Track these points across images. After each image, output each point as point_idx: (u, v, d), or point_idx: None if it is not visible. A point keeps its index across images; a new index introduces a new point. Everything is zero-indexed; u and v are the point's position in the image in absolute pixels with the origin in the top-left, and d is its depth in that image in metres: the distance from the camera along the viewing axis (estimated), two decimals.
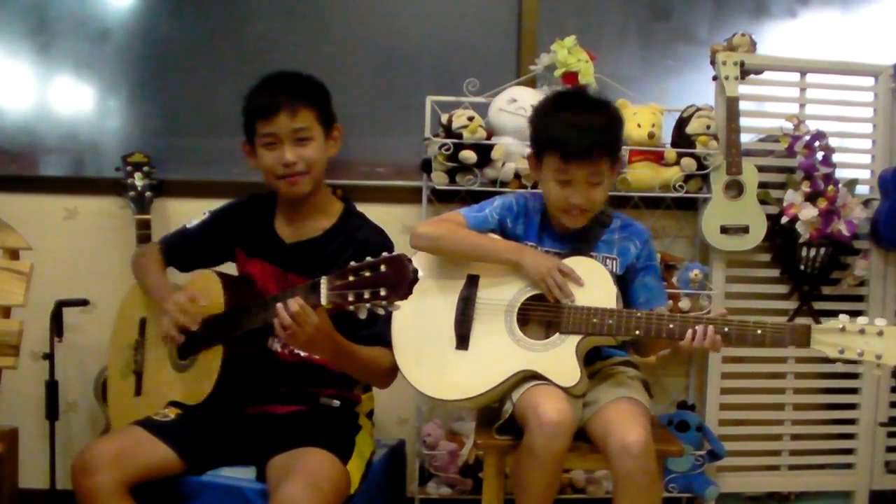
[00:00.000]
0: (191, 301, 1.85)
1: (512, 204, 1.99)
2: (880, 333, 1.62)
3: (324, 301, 1.60)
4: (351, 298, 1.55)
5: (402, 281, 1.52)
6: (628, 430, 1.67)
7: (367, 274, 1.55)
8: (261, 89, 1.94)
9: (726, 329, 1.71)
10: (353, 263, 1.57)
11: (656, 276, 1.98)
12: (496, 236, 1.96)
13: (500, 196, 2.03)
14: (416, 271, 1.54)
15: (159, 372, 1.99)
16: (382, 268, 1.54)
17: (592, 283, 1.83)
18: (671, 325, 1.75)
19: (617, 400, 1.79)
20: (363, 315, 1.57)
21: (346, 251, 1.84)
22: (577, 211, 1.87)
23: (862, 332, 1.63)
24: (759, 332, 1.69)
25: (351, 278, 1.56)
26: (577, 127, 1.82)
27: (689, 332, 1.72)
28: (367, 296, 1.53)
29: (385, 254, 1.56)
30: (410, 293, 1.54)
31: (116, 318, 2.23)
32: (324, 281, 1.60)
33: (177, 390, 1.91)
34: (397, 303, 1.54)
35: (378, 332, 1.86)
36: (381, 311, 1.56)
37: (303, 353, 1.89)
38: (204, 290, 1.93)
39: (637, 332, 1.76)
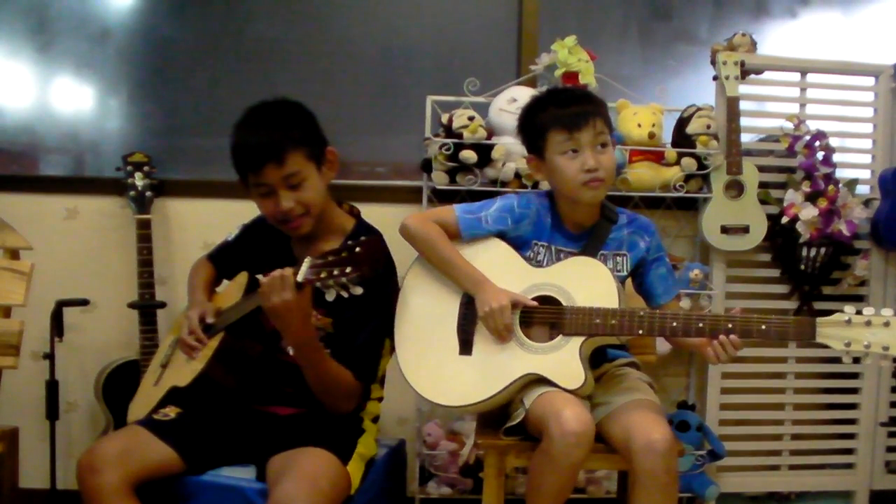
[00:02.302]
0: (200, 318, 1.93)
1: (513, 206, 1.94)
2: (886, 324, 1.60)
3: (300, 277, 1.64)
4: (323, 275, 1.61)
5: (366, 260, 1.58)
6: (653, 430, 1.67)
7: (344, 255, 1.60)
8: (243, 134, 1.86)
9: (730, 325, 1.71)
10: (337, 247, 1.64)
11: (667, 265, 2.00)
12: (468, 256, 1.93)
13: (501, 197, 1.98)
14: (385, 258, 1.63)
15: (177, 362, 2.01)
16: (357, 249, 1.60)
17: (593, 284, 1.82)
18: (674, 324, 1.75)
19: (635, 401, 1.80)
20: (330, 297, 1.61)
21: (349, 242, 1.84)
22: (594, 179, 1.86)
23: (868, 323, 1.61)
24: (763, 327, 1.69)
25: (330, 258, 1.62)
26: (570, 99, 1.90)
27: (710, 350, 1.74)
28: (335, 272, 1.59)
29: (363, 237, 1.61)
30: (371, 274, 1.59)
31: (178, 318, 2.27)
32: (307, 260, 1.65)
33: (177, 375, 1.93)
34: (358, 288, 1.60)
35: (352, 356, 1.85)
36: (343, 294, 1.60)
37: None
38: (232, 289, 1.99)
39: (640, 332, 1.76)
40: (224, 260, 2.13)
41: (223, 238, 2.17)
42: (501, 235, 1.94)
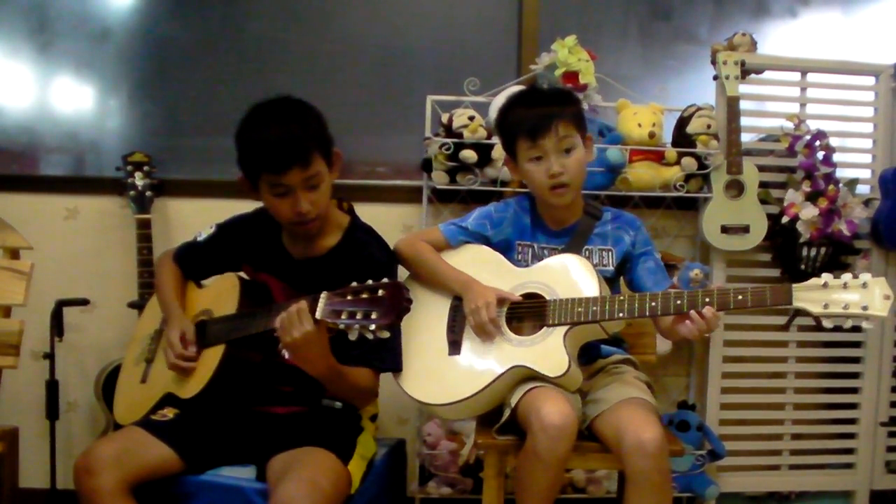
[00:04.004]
0: (182, 342, 1.91)
1: (490, 213, 2.03)
2: (864, 285, 1.59)
3: (318, 315, 1.61)
4: (344, 317, 1.57)
5: (394, 308, 1.54)
6: (644, 429, 1.67)
7: (365, 296, 1.57)
8: (264, 133, 1.80)
9: (707, 299, 1.71)
10: (354, 284, 1.59)
11: (656, 259, 2.01)
12: (457, 263, 1.98)
13: (479, 207, 2.07)
14: (409, 301, 1.57)
15: (165, 362, 2.00)
16: (380, 292, 1.56)
17: (576, 278, 1.86)
18: (653, 304, 1.76)
19: (628, 400, 1.80)
20: (353, 336, 1.58)
21: (351, 269, 1.79)
22: (559, 185, 1.90)
23: (845, 286, 1.60)
24: (740, 297, 1.69)
25: (349, 297, 1.58)
26: (534, 104, 1.93)
27: (685, 326, 1.73)
28: (359, 316, 1.55)
29: (386, 279, 1.57)
30: (399, 321, 1.57)
31: (146, 308, 2.25)
32: (324, 296, 1.62)
33: (174, 382, 1.92)
34: (385, 332, 1.55)
35: (369, 356, 1.84)
36: (368, 336, 1.56)
37: None
38: (222, 291, 1.97)
39: (621, 315, 1.77)
40: (192, 261, 2.10)
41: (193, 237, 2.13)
42: (487, 241, 2.02)
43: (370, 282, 1.58)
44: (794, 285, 1.65)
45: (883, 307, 1.57)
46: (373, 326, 1.54)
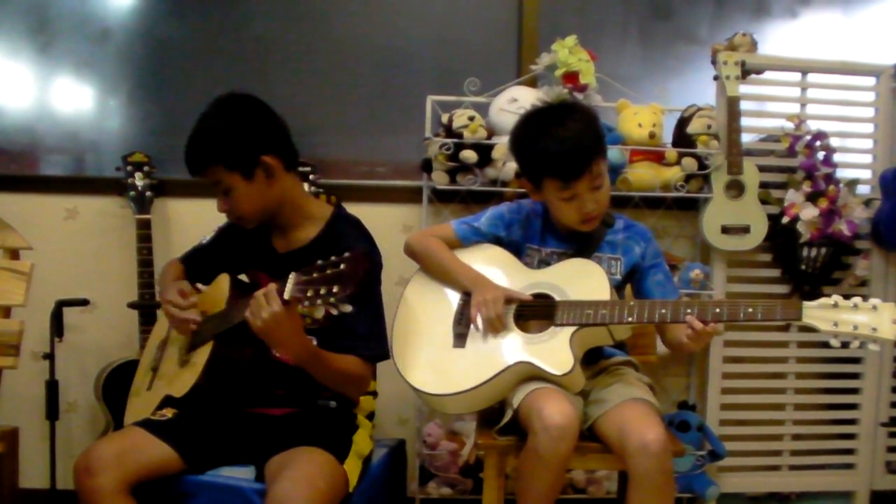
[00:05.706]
0: (181, 296, 1.93)
1: (502, 213, 2.03)
2: (874, 308, 1.60)
3: (287, 294, 1.61)
4: (309, 294, 1.56)
5: (352, 278, 1.52)
6: (647, 430, 1.67)
7: (329, 272, 1.56)
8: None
9: (717, 310, 1.71)
10: (320, 261, 1.58)
11: (665, 272, 2.00)
12: (469, 262, 1.98)
13: (491, 207, 2.07)
14: (367, 272, 1.55)
15: (168, 367, 2.01)
16: (342, 266, 1.55)
17: (587, 281, 1.85)
18: (663, 310, 1.76)
19: (631, 400, 1.80)
20: (319, 314, 1.57)
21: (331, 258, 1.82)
22: (591, 219, 1.90)
23: (855, 307, 1.62)
24: (750, 310, 1.69)
25: (315, 275, 1.58)
26: (563, 145, 1.83)
27: (688, 339, 1.73)
28: (322, 292, 1.54)
29: (347, 253, 1.56)
30: (357, 290, 1.54)
31: (158, 318, 2.26)
32: (292, 276, 1.62)
33: (171, 383, 1.93)
34: (347, 306, 1.54)
35: (358, 344, 1.84)
36: (333, 312, 1.55)
37: None
38: (216, 292, 1.98)
39: (630, 319, 1.77)
40: (197, 262, 2.13)
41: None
42: (499, 242, 2.01)
43: (333, 257, 1.57)
44: (804, 303, 1.65)
45: (891, 331, 1.59)
46: (333, 299, 1.53)
